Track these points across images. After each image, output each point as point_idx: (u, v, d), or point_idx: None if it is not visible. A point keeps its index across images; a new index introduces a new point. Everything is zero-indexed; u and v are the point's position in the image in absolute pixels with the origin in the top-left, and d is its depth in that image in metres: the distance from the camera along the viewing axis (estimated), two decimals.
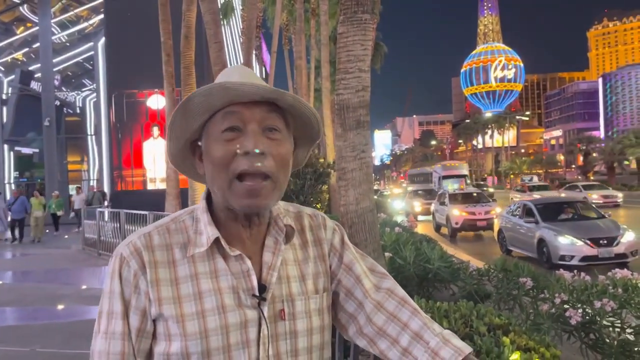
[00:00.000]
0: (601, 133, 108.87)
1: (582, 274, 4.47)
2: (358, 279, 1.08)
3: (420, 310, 1.07)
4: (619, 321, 3.75)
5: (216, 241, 0.96)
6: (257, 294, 0.96)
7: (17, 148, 30.06)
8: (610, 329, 3.76)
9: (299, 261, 1.05)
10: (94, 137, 28.31)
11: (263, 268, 1.00)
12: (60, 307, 7.28)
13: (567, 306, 3.93)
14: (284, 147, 0.97)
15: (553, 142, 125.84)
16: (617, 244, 9.91)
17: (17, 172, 30.74)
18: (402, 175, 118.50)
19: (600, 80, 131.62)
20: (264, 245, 1.02)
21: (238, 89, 0.92)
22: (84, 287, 8.87)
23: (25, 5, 27.86)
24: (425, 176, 43.72)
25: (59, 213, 18.83)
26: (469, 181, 39.63)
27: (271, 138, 0.95)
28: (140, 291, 0.94)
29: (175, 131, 0.99)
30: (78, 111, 33.36)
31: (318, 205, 15.33)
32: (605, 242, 9.94)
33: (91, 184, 27.42)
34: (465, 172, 39.51)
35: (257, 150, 0.92)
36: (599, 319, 3.78)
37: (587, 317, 3.80)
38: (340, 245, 1.12)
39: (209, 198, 1.03)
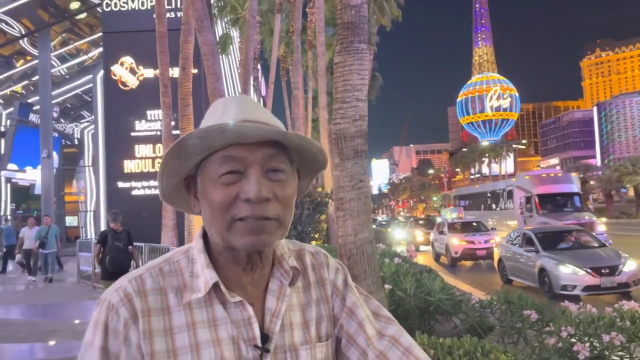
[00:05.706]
0: (597, 161, 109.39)
1: (589, 306, 4.36)
2: (361, 325, 0.98)
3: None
4: (628, 355, 3.63)
5: (214, 286, 0.87)
6: (260, 344, 0.87)
7: (14, 180, 30.02)
8: None
9: (301, 305, 0.96)
10: (91, 168, 28.31)
11: (266, 315, 0.90)
12: (51, 342, 7.09)
13: (574, 340, 3.80)
14: (289, 188, 0.89)
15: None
16: (619, 273, 9.75)
17: (14, 204, 30.66)
18: (399, 204, 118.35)
19: (595, 109, 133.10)
20: (267, 289, 0.93)
21: (237, 131, 0.83)
22: (76, 321, 8.66)
23: (25, 39, 28.18)
24: (491, 197, 27.27)
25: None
26: (579, 204, 21.65)
27: (275, 180, 0.86)
28: (131, 343, 0.83)
29: (167, 171, 0.90)
30: (76, 142, 33.54)
31: (316, 235, 15.22)
32: (607, 271, 9.79)
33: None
34: (577, 187, 22.39)
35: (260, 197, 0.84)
36: (607, 353, 3.65)
37: (596, 352, 3.67)
38: (343, 286, 1.02)
39: (205, 237, 0.93)
